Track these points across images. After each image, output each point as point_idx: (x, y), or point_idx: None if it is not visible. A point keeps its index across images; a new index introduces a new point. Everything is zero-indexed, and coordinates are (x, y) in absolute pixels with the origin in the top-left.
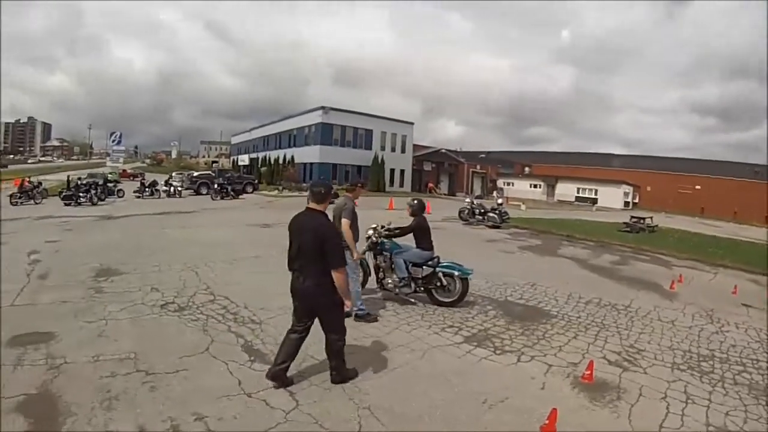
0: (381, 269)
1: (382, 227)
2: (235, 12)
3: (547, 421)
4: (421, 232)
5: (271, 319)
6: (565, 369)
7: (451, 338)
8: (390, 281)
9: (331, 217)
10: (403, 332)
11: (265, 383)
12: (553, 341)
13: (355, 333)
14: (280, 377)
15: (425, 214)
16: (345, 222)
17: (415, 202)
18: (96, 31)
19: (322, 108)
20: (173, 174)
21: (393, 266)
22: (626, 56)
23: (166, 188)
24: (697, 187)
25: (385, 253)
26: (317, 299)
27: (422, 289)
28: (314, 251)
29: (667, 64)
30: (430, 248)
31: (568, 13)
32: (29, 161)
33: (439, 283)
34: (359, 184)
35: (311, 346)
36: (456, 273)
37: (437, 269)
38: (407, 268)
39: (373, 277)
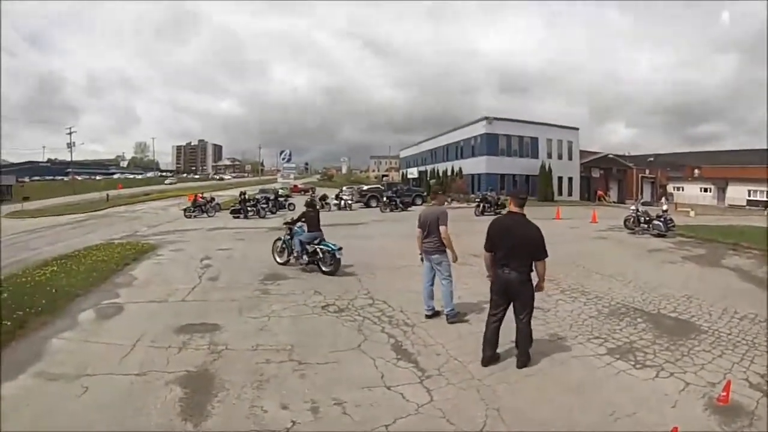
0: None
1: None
2: (393, 26)
3: None
4: (309, 220)
5: (424, 322)
6: (702, 388)
7: (594, 349)
8: (293, 255)
9: (421, 223)
10: (548, 341)
11: (406, 379)
12: (697, 358)
13: (503, 339)
14: (494, 359)
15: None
16: (443, 229)
17: (309, 200)
18: (256, 57)
19: (486, 118)
20: (343, 188)
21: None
22: None
23: (337, 202)
24: None
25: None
26: (517, 287)
27: (312, 260)
28: (523, 247)
29: None
30: (317, 230)
31: None
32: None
33: (319, 257)
34: (440, 192)
35: (454, 348)
36: (329, 249)
37: (318, 247)
38: (301, 246)
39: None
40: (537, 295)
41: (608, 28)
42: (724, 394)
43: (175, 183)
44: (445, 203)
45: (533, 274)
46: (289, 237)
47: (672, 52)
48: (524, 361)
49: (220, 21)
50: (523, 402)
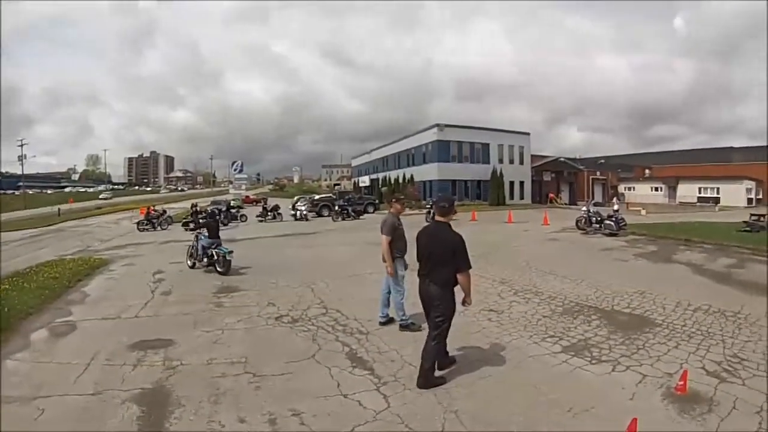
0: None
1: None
2: (352, 35)
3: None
4: (210, 228)
5: (377, 329)
6: (659, 379)
7: (549, 348)
8: (197, 258)
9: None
10: (503, 342)
11: (363, 386)
12: (653, 351)
13: (457, 343)
14: (431, 381)
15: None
16: (384, 238)
17: (209, 210)
18: (212, 67)
19: (437, 125)
20: (297, 198)
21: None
22: (747, 38)
23: (294, 212)
24: None
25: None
26: (433, 301)
27: (210, 262)
28: (443, 258)
29: None
30: (216, 237)
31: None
32: (162, 191)
33: (215, 259)
34: (394, 199)
35: (409, 354)
36: (223, 253)
37: (215, 251)
38: (203, 250)
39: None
40: (491, 297)
41: (564, 34)
42: (682, 383)
43: (110, 198)
44: (393, 210)
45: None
46: (195, 242)
47: (629, 56)
48: (422, 382)
49: (177, 30)
50: (481, 404)
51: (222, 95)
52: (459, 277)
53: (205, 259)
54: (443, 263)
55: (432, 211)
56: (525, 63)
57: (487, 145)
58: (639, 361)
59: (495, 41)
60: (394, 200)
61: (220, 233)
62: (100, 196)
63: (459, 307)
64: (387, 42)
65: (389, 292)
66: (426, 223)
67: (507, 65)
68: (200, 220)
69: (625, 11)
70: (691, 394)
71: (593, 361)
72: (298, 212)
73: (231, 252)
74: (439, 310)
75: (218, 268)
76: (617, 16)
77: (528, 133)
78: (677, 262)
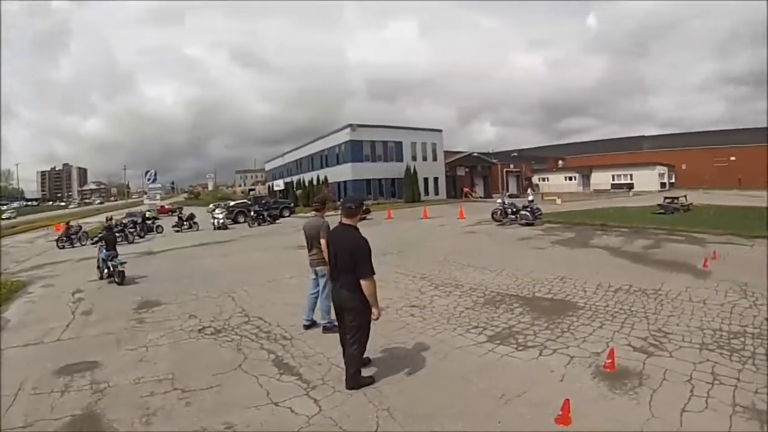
0: None
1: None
2: (263, 37)
3: (560, 413)
4: (108, 241)
5: (301, 334)
6: (587, 359)
7: (474, 338)
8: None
9: (305, 236)
10: (427, 336)
11: (292, 392)
12: (578, 333)
13: (382, 341)
14: (360, 381)
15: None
16: (323, 241)
17: (124, 223)
18: (125, 73)
19: (350, 126)
20: (213, 206)
21: None
22: (658, 35)
23: (213, 221)
24: (732, 158)
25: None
26: (345, 305)
27: (110, 273)
28: (347, 262)
29: (700, 38)
30: (113, 250)
31: None
32: (71, 206)
33: (113, 271)
34: (324, 202)
35: (335, 356)
36: (116, 265)
37: (110, 263)
38: (103, 263)
39: None
40: (411, 293)
41: (478, 33)
42: (609, 361)
43: (14, 217)
44: (323, 213)
45: None
46: (98, 255)
47: (543, 53)
48: (351, 384)
49: (91, 33)
50: (412, 399)
51: (134, 101)
52: (362, 283)
53: (106, 271)
54: (349, 268)
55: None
56: (439, 61)
57: (400, 143)
58: (565, 343)
59: (409, 41)
60: (322, 204)
61: (138, 245)
62: (4, 216)
63: (382, 304)
64: (301, 43)
65: (315, 296)
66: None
67: (421, 64)
68: (116, 234)
69: (539, 11)
70: (620, 370)
71: (520, 348)
72: (216, 221)
73: (124, 263)
74: (352, 314)
75: (116, 279)
76: (531, 16)
77: (440, 130)
78: (595, 247)
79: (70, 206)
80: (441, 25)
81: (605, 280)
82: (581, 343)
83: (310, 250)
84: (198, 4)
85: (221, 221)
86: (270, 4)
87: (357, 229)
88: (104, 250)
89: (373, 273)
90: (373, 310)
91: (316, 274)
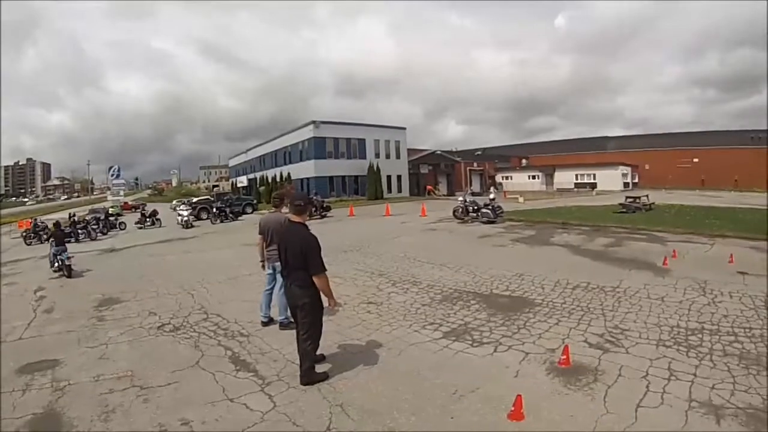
0: None
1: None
2: (234, 33)
3: (513, 408)
4: (56, 237)
5: (259, 330)
6: (542, 356)
7: (429, 335)
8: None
9: (259, 231)
10: (383, 333)
11: (248, 389)
12: (534, 329)
13: (337, 337)
14: (314, 377)
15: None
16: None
17: (55, 222)
18: (92, 66)
19: (313, 122)
20: (177, 203)
21: None
22: (626, 36)
23: (178, 218)
24: (695, 159)
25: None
26: (297, 302)
27: (59, 267)
28: (298, 259)
29: (667, 40)
30: (62, 245)
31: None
32: (28, 203)
33: (62, 265)
34: (283, 198)
35: (291, 352)
36: (64, 259)
37: (59, 257)
38: (54, 257)
39: None
40: (367, 290)
41: (447, 31)
42: (564, 357)
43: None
44: (285, 210)
45: None
46: (50, 250)
47: (507, 51)
48: (305, 380)
49: (57, 25)
50: (366, 395)
51: (100, 95)
52: (315, 280)
53: (56, 264)
54: (299, 265)
55: (315, 206)
56: (406, 59)
57: (363, 140)
58: (521, 340)
59: (377, 38)
60: (281, 200)
61: (100, 242)
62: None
63: (339, 301)
64: (270, 39)
65: (271, 292)
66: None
67: (389, 61)
68: (78, 230)
69: (508, 10)
70: (575, 366)
71: (475, 344)
72: (181, 218)
73: (70, 257)
74: (304, 310)
75: (64, 273)
76: (500, 15)
77: (404, 128)
78: (555, 245)
79: (27, 203)
80: (410, 22)
81: (564, 277)
82: (537, 339)
83: (267, 246)
84: None
85: (186, 218)
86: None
87: (306, 227)
88: (54, 246)
89: (325, 269)
90: (329, 301)
91: (274, 269)
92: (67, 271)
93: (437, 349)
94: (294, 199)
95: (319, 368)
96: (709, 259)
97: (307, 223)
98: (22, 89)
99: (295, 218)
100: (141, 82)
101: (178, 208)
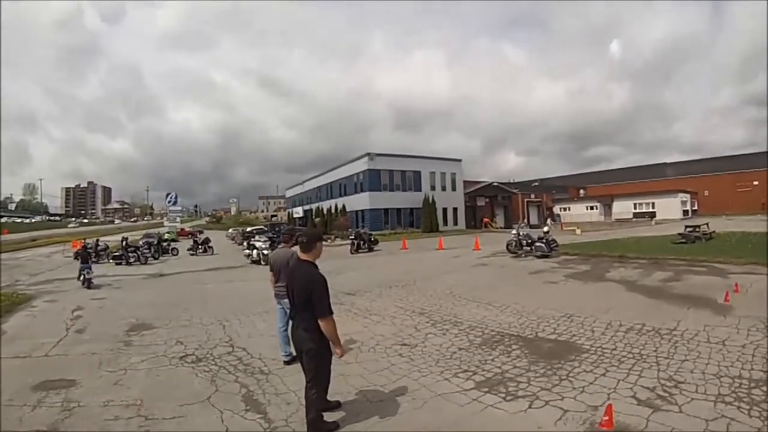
0: None
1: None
2: (292, 66)
3: None
4: (82, 257)
5: (280, 369)
6: (582, 414)
7: (460, 384)
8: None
9: (269, 267)
10: (410, 379)
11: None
12: (577, 381)
13: (359, 382)
14: (320, 428)
15: None
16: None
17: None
18: (152, 95)
19: (368, 155)
20: (233, 231)
21: None
22: (679, 62)
23: (248, 252)
24: (755, 182)
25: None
26: (302, 346)
27: (86, 280)
28: (303, 300)
29: (719, 62)
30: (87, 263)
31: (613, 27)
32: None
33: (85, 278)
34: (293, 234)
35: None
36: (87, 273)
37: (83, 273)
38: (80, 272)
39: None
40: (404, 330)
41: (503, 63)
42: (606, 418)
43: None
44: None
45: None
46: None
47: (562, 81)
48: (310, 430)
49: (120, 55)
50: None
51: (161, 124)
52: (320, 323)
53: (81, 278)
54: (305, 306)
55: (354, 241)
56: (462, 91)
57: (419, 172)
58: (560, 394)
59: (434, 71)
60: (290, 236)
61: (151, 267)
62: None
63: (371, 342)
64: (327, 73)
65: (286, 329)
66: (350, 255)
67: (445, 94)
68: (130, 254)
69: (561, 39)
70: (618, 428)
71: (508, 398)
72: (255, 251)
73: (91, 272)
74: (308, 356)
75: (84, 285)
76: (553, 44)
77: (460, 160)
78: (610, 280)
79: (69, 225)
80: (466, 54)
81: (616, 318)
82: (579, 394)
83: (276, 282)
84: (227, 30)
85: (261, 252)
86: (299, 34)
87: (314, 265)
88: (80, 263)
89: (331, 312)
90: (336, 350)
91: (283, 306)
92: (87, 284)
93: (465, 402)
94: (301, 235)
95: (332, 416)
96: None
97: (317, 261)
98: (84, 114)
99: (303, 256)
100: (199, 112)
101: (253, 239)
